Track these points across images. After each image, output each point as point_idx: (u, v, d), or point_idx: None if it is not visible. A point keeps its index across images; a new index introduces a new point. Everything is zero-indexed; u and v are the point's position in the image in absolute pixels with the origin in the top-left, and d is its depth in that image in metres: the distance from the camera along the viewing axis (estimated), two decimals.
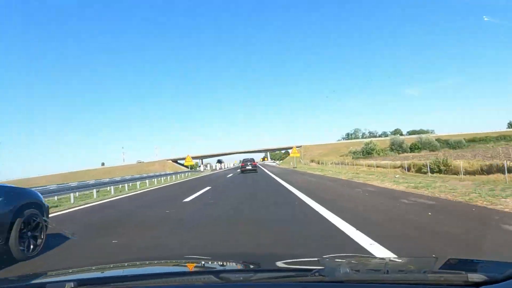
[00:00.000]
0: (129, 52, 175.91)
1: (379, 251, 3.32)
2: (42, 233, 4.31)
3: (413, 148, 71.05)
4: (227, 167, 77.96)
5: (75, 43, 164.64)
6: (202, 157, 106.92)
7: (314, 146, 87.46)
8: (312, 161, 70.43)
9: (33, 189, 5.62)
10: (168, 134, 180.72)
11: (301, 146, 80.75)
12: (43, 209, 4.45)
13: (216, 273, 1.38)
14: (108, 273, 1.71)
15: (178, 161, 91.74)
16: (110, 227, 5.99)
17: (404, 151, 70.08)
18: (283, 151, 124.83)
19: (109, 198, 12.82)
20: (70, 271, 1.78)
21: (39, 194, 4.63)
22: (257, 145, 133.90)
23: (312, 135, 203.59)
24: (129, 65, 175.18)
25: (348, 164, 45.78)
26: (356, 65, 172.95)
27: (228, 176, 25.29)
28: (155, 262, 2.11)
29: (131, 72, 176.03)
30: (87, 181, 19.24)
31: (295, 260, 1.84)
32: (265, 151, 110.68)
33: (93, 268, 1.99)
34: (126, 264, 2.01)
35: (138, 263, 2.08)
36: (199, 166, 74.13)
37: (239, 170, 33.18)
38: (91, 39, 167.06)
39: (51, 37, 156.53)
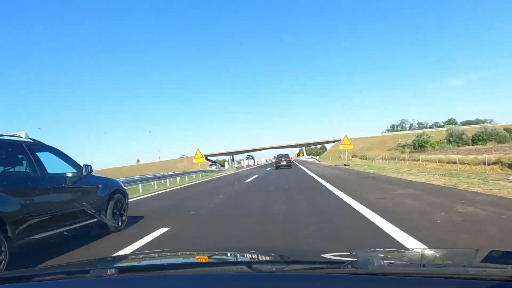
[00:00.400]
0: (144, 51, 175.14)
1: None
2: (125, 212, 5.59)
3: (476, 139, 60.71)
4: (259, 164, 66.41)
5: (76, 43, 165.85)
6: (233, 153, 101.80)
7: (355, 140, 78.45)
8: (354, 156, 62.32)
9: None
10: (203, 130, 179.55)
11: (339, 140, 72.69)
12: (125, 194, 5.70)
13: (248, 263, 1.35)
14: (147, 261, 1.78)
15: (208, 158, 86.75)
16: None
17: (465, 143, 59.98)
18: (319, 146, 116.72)
19: None
20: (112, 259, 2.05)
21: (121, 183, 5.88)
22: (291, 139, 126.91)
23: (351, 128, 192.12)
24: (171, 61, 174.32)
25: (405, 160, 37.54)
26: (399, 54, 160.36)
27: (248, 180, 16.39)
28: (190, 253, 2.13)
29: (170, 69, 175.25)
30: None
31: (327, 252, 1.63)
32: (300, 145, 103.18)
33: (134, 256, 2.29)
34: (164, 254, 2.16)
35: (175, 253, 2.19)
36: (211, 164, 57.14)
37: (269, 168, 32.48)
38: (92, 39, 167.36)
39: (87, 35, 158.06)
